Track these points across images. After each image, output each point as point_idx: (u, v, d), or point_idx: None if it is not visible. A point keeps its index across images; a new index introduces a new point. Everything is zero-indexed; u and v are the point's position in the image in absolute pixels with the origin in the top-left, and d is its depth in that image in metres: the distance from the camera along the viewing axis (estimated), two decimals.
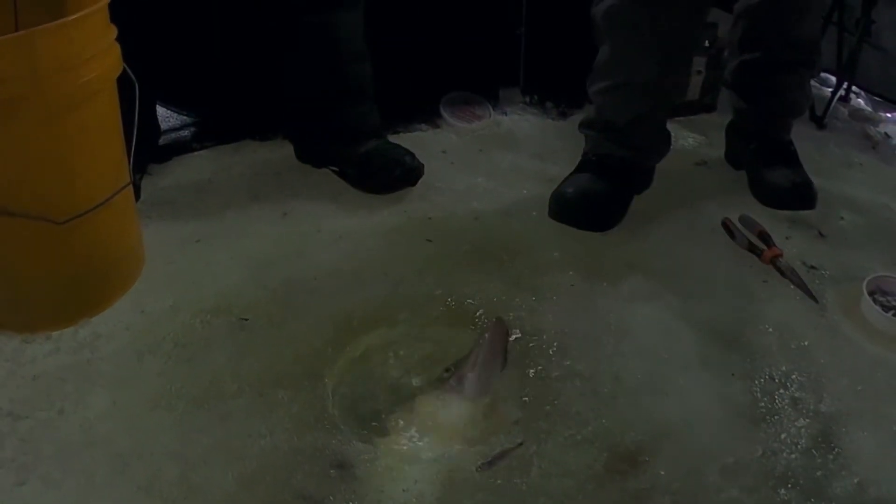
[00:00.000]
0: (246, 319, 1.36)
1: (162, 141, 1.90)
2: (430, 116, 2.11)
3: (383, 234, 1.61)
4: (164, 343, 1.30)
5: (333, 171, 1.81)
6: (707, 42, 2.11)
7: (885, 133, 2.22)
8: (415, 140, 2.01)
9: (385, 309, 1.39)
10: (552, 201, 1.69)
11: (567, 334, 1.35)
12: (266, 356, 1.28)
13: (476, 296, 1.43)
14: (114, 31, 1.29)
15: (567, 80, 1.73)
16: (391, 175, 1.76)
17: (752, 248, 1.58)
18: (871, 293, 1.44)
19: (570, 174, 1.74)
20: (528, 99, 2.25)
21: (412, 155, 1.78)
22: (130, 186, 1.40)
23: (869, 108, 2.36)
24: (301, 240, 1.59)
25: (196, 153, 1.89)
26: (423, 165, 1.78)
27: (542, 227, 1.66)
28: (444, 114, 2.12)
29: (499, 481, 1.09)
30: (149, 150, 1.76)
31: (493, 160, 1.95)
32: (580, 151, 1.77)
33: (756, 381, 1.28)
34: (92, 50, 1.22)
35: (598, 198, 1.67)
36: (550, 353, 1.31)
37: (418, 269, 1.50)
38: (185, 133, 2.00)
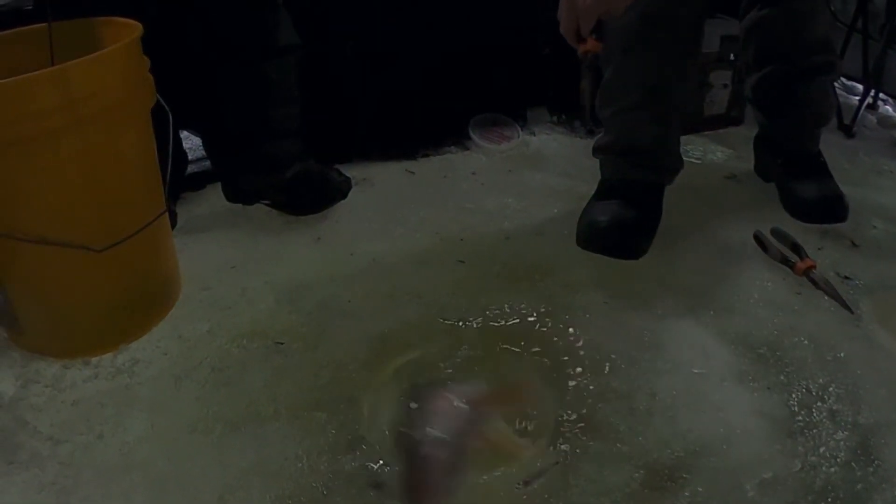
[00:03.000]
0: (281, 343, 1.37)
1: (196, 168, 1.93)
2: (459, 139, 2.13)
3: (416, 256, 1.63)
4: (201, 367, 1.32)
5: (266, 204, 1.82)
6: (732, 55, 2.12)
7: None
8: (444, 162, 2.03)
9: (419, 330, 1.40)
10: (583, 231, 1.66)
11: (601, 352, 1.35)
12: (302, 379, 1.29)
13: (509, 316, 1.43)
14: (147, 63, 1.32)
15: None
16: (323, 192, 1.80)
17: (784, 261, 1.57)
18: None
19: (594, 200, 1.70)
20: (555, 118, 2.27)
21: (338, 170, 1.84)
22: (166, 214, 1.43)
23: None
24: (334, 263, 1.60)
25: None
26: (350, 179, 1.82)
27: (574, 245, 1.66)
28: (473, 136, 2.14)
29: (536, 500, 1.08)
30: (180, 178, 1.78)
31: (522, 180, 1.96)
32: None
33: (793, 395, 1.26)
34: (126, 81, 1.24)
35: (631, 226, 1.63)
36: (585, 371, 1.31)
37: (451, 290, 1.51)
38: None
